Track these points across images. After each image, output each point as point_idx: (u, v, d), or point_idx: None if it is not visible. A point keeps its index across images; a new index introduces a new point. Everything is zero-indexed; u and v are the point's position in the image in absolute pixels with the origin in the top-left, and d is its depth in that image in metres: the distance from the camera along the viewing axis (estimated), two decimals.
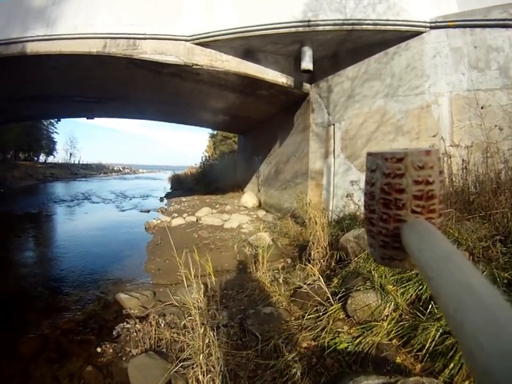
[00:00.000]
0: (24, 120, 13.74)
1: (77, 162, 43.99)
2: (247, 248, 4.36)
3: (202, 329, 1.96)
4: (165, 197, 13.72)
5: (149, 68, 5.34)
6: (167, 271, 3.97)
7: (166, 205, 11.33)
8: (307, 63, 5.03)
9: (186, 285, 2.48)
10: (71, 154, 44.91)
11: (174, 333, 2.32)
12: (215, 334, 1.93)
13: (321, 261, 3.34)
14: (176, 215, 7.90)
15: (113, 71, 5.72)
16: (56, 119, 15.26)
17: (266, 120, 8.56)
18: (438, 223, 0.39)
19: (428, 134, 4.32)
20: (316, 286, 2.30)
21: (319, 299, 2.13)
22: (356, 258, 2.58)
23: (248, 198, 9.56)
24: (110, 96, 7.77)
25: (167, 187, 18.07)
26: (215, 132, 21.07)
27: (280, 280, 2.83)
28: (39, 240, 6.25)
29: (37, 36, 4.98)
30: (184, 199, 11.46)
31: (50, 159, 37.21)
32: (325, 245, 3.40)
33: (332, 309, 1.97)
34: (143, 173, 56.77)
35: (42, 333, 2.67)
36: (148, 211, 9.63)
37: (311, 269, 2.60)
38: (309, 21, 4.50)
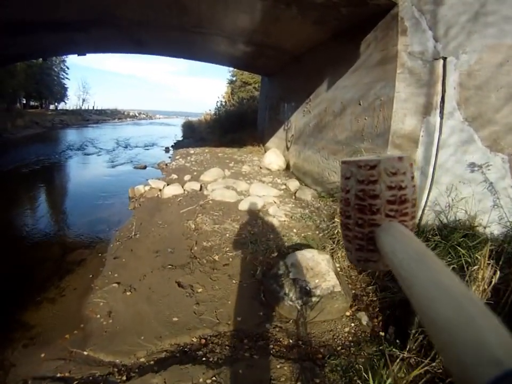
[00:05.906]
0: (9, 61, 11.40)
1: (90, 108, 41.49)
2: (282, 293, 2.21)
3: None
4: (172, 147, 11.57)
5: None
6: (121, 324, 2.02)
7: (170, 157, 9.25)
8: None
9: None
10: (83, 100, 42.04)
11: None
12: None
13: None
14: (175, 177, 5.84)
15: None
16: (44, 59, 12.65)
17: (307, 52, 5.86)
18: (411, 225, 0.41)
19: None
20: None
21: None
22: None
23: (273, 157, 7.29)
24: (90, 17, 5.22)
25: (179, 134, 15.84)
26: (234, 78, 18.11)
27: None
28: None
29: None
30: (192, 151, 9.33)
31: (62, 106, 35.65)
32: None
33: None
34: (159, 118, 53.78)
35: None
36: (144, 167, 7.58)
37: None
38: None
